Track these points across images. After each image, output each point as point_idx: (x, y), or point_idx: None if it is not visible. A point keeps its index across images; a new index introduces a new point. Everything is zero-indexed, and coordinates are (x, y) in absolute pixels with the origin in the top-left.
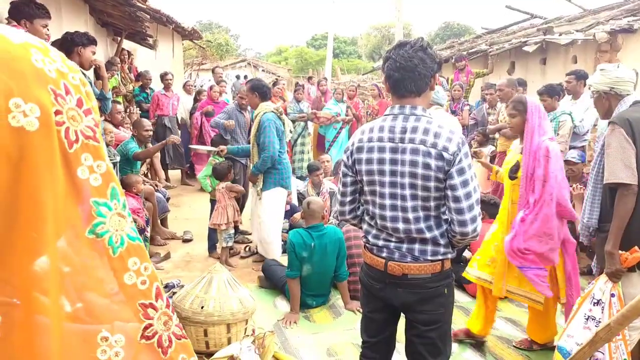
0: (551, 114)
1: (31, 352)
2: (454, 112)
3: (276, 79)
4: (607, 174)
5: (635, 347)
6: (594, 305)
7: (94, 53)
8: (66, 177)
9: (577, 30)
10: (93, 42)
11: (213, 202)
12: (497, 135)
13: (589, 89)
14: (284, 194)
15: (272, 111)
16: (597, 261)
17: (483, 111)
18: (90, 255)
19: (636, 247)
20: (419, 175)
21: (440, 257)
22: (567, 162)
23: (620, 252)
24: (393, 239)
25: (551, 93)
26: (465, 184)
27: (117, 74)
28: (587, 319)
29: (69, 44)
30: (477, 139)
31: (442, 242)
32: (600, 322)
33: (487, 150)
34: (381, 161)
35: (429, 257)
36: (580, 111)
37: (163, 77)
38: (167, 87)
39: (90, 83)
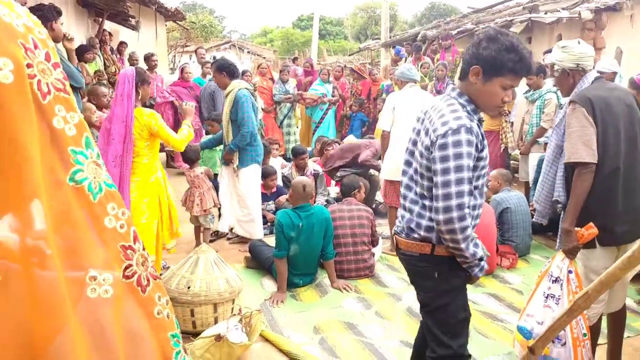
0: (536, 92)
1: (39, 302)
2: (439, 92)
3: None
4: (568, 153)
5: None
6: (552, 282)
7: (61, 24)
8: (42, 127)
9: (562, 9)
10: (60, 13)
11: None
12: (482, 115)
13: (552, 67)
14: (259, 170)
15: (246, 88)
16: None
17: None
18: (70, 202)
19: (591, 224)
20: (417, 151)
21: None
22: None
23: (576, 228)
24: (402, 210)
25: (537, 71)
26: (444, 172)
27: (99, 56)
28: (546, 297)
29: (42, 20)
30: None
31: (430, 225)
32: (560, 299)
33: None
34: (410, 132)
35: (416, 236)
36: None
37: (149, 58)
38: (151, 69)
39: (62, 58)
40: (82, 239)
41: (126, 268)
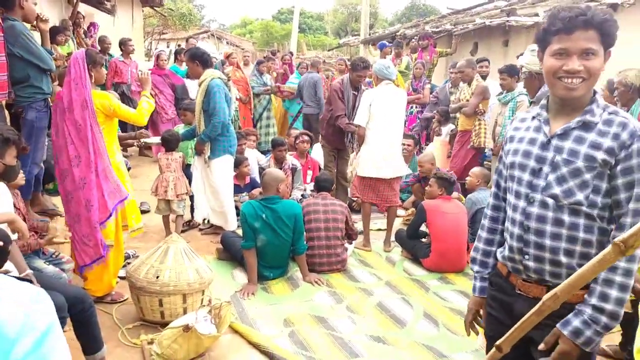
0: (509, 94)
1: None
2: (415, 90)
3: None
4: None
5: None
6: None
7: (35, 4)
8: None
9: (539, 13)
10: None
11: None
12: (458, 115)
13: (521, 69)
14: (231, 161)
15: (219, 77)
16: None
17: (445, 90)
18: None
19: None
20: None
21: None
22: None
23: None
24: None
25: (511, 72)
26: None
27: (72, 39)
28: None
29: None
30: (436, 118)
31: None
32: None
33: (447, 129)
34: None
35: None
36: None
37: (125, 43)
38: (127, 54)
39: (31, 39)
40: None
41: None
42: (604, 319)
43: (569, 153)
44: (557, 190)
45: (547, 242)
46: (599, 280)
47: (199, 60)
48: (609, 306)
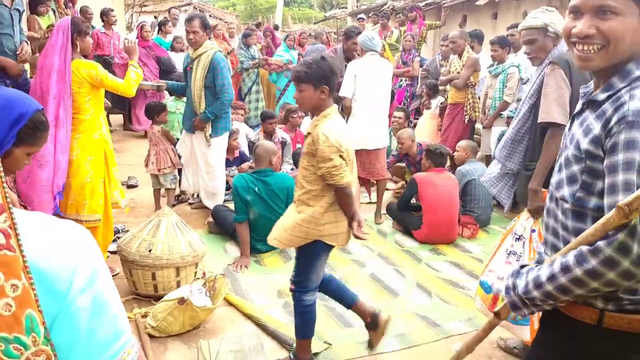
0: (500, 67)
1: None
2: (404, 63)
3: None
4: (542, 114)
5: None
6: (515, 240)
7: None
8: None
9: None
10: None
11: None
12: (448, 87)
13: (547, 28)
14: (227, 137)
15: (220, 51)
16: (521, 198)
17: (436, 63)
18: None
19: None
20: None
21: None
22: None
23: (543, 189)
24: None
25: (502, 44)
26: None
27: (52, 10)
28: (508, 254)
29: None
30: (425, 92)
31: None
32: (521, 256)
33: (437, 101)
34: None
35: None
36: (523, 61)
37: (107, 13)
38: (108, 25)
39: (20, 13)
40: None
41: None
42: (519, 283)
43: (570, 137)
44: (554, 179)
45: (560, 245)
46: (553, 257)
47: (209, 29)
48: (529, 277)
